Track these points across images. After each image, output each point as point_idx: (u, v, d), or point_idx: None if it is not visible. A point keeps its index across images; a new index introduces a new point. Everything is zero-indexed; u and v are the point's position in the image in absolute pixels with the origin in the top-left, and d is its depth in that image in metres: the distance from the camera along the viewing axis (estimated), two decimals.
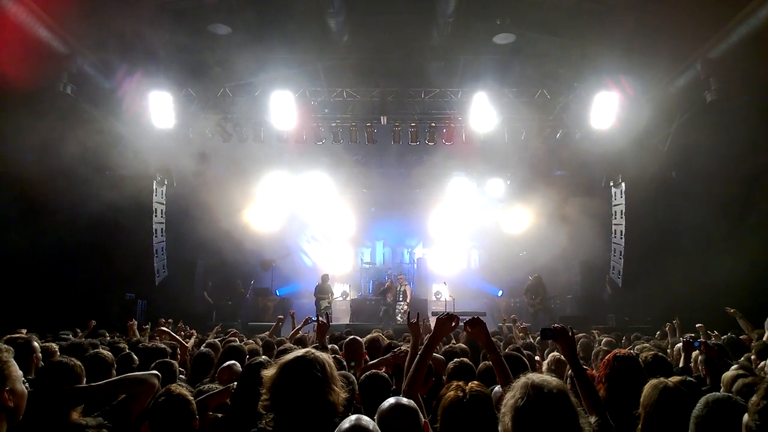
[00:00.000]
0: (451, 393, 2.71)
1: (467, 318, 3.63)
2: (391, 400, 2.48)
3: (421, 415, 2.46)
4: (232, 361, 4.51)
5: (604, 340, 7.26)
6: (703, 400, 2.22)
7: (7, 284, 10.56)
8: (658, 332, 8.86)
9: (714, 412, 2.14)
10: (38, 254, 11.20)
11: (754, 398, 2.27)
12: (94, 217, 11.78)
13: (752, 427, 2.21)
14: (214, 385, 3.79)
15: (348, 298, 18.75)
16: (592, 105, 12.42)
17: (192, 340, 7.47)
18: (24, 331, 6.61)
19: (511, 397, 2.04)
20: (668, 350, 6.21)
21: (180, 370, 5.08)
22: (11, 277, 10.76)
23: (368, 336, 5.73)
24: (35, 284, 11.40)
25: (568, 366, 3.69)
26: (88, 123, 11.25)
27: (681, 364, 4.75)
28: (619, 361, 3.39)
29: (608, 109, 12.25)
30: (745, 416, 2.33)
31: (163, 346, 5.51)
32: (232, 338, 6.87)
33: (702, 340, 4.92)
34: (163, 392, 3.12)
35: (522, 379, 2.06)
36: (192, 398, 3.17)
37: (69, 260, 12.08)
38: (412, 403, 2.50)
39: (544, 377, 2.07)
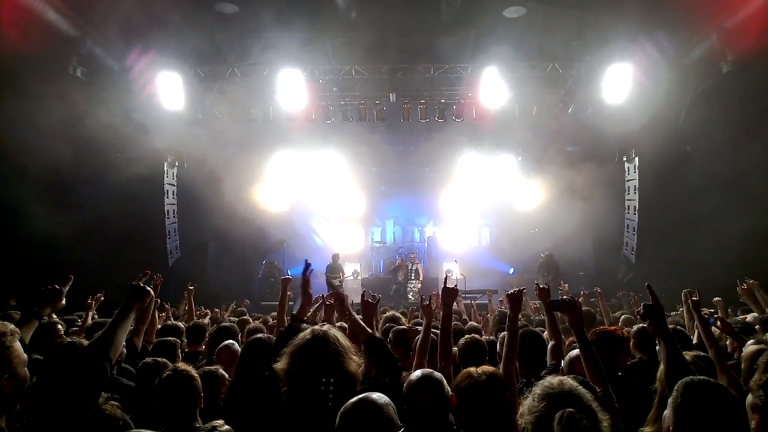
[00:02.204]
0: (465, 376, 2.72)
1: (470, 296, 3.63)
2: (418, 373, 2.57)
3: (447, 388, 2.52)
4: (230, 341, 4.46)
5: (623, 317, 7.22)
6: (679, 385, 2.14)
7: (24, 268, 10.66)
8: (680, 307, 8.75)
9: (692, 398, 2.07)
10: (53, 237, 11.27)
11: (756, 376, 2.24)
12: (106, 199, 11.83)
13: (758, 404, 2.17)
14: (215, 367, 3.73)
15: (359, 277, 18.81)
16: (604, 79, 12.22)
17: (206, 320, 7.53)
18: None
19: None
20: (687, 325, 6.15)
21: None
22: (28, 260, 10.87)
23: (387, 314, 5.69)
24: (52, 267, 11.49)
25: (572, 338, 3.73)
26: (99, 105, 11.24)
27: (695, 341, 4.71)
28: (599, 337, 3.56)
29: (621, 83, 12.05)
30: (749, 397, 2.30)
31: (177, 324, 5.57)
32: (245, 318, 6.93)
33: (718, 315, 4.86)
34: (169, 369, 3.11)
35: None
36: (197, 375, 3.12)
37: (82, 242, 12.16)
38: (439, 375, 2.57)
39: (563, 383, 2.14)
